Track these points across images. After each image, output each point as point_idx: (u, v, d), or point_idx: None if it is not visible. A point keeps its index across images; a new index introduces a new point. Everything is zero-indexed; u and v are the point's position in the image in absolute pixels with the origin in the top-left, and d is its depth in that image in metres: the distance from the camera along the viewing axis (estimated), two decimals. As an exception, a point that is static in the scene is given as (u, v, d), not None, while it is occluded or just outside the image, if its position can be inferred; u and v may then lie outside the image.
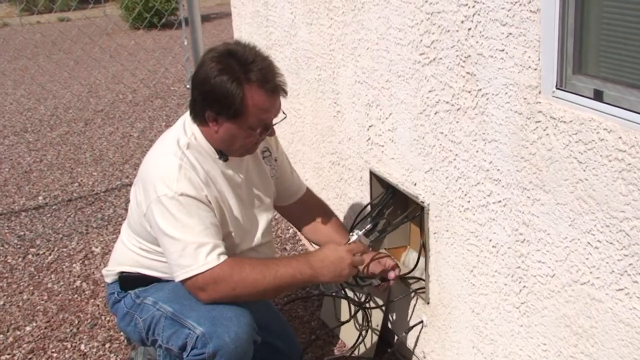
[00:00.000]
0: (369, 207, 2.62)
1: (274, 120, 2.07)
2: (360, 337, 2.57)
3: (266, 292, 2.05)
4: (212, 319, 1.96)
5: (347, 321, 2.61)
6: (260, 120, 2.00)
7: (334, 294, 2.67)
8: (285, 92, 2.03)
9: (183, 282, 1.99)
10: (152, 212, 1.99)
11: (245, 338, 1.98)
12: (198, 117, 2.04)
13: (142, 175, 2.08)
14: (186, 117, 2.11)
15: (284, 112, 2.09)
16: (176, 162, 2.00)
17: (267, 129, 2.05)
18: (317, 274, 2.06)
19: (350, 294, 2.59)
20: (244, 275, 1.98)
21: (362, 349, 2.61)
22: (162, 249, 2.04)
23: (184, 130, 2.08)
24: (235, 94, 1.93)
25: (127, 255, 2.22)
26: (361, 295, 2.56)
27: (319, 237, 2.43)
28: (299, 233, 3.72)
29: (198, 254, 1.95)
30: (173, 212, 1.96)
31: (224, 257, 1.98)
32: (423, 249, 2.31)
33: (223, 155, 2.08)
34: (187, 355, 2.00)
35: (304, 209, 2.46)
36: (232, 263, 1.99)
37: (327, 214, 2.47)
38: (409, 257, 2.59)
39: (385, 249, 2.66)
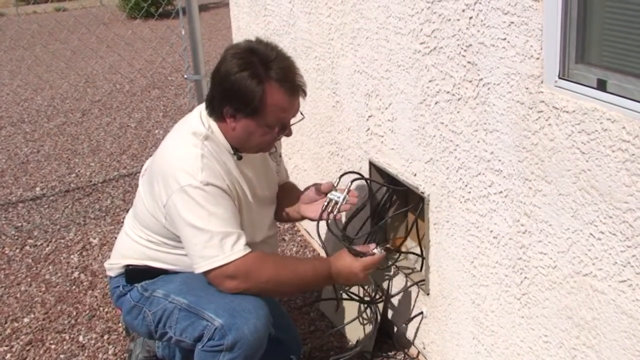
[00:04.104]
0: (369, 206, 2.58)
1: (292, 121, 2.06)
2: (367, 332, 2.57)
3: (290, 291, 2.26)
4: (231, 311, 1.96)
5: (354, 320, 2.60)
6: (278, 119, 2.00)
7: (341, 293, 2.65)
8: (305, 93, 2.04)
9: (207, 272, 1.97)
10: (175, 203, 1.97)
11: (263, 330, 1.99)
12: (215, 113, 2.03)
13: (160, 166, 2.05)
14: (202, 108, 2.10)
15: (301, 114, 2.08)
16: (198, 152, 1.99)
17: (285, 129, 2.05)
18: (333, 282, 2.21)
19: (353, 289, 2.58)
20: (277, 271, 2.03)
21: (361, 341, 2.60)
22: (183, 240, 2.01)
23: (202, 122, 2.07)
24: (255, 91, 1.92)
25: (132, 247, 2.20)
26: (365, 293, 2.55)
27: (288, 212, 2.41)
28: (297, 224, 3.71)
29: (224, 244, 1.95)
30: (199, 201, 1.95)
31: (249, 249, 1.99)
32: (417, 235, 2.30)
33: (237, 152, 2.08)
34: (203, 346, 2.00)
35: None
36: (264, 257, 2.02)
37: (291, 189, 2.47)
38: (408, 248, 2.58)
39: (386, 239, 2.66)
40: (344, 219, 2.53)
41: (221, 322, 1.96)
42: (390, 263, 2.51)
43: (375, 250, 2.12)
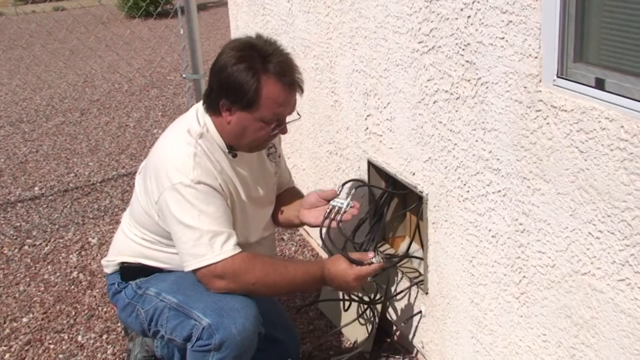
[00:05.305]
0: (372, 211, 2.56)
1: (287, 119, 2.05)
2: (366, 331, 2.56)
3: (279, 292, 2.21)
4: (219, 310, 1.96)
5: (354, 320, 2.59)
6: (274, 114, 1.98)
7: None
8: (302, 90, 2.03)
9: (196, 270, 1.97)
10: (166, 200, 1.97)
11: (252, 330, 1.98)
12: (212, 107, 2.03)
13: (154, 163, 2.06)
14: (198, 107, 2.10)
15: (298, 113, 2.07)
16: (191, 150, 1.99)
17: (280, 125, 2.03)
18: (326, 285, 2.14)
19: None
20: (266, 273, 2.00)
21: (360, 340, 2.60)
22: (173, 238, 2.02)
23: (197, 120, 2.07)
24: (250, 83, 1.92)
25: (128, 245, 2.21)
26: (364, 293, 2.54)
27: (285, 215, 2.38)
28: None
29: (213, 243, 1.94)
30: (189, 199, 1.95)
31: (239, 249, 1.98)
32: (419, 237, 2.30)
33: (232, 150, 2.07)
34: (192, 346, 2.00)
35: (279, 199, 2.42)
36: (253, 257, 2.00)
37: (294, 195, 2.43)
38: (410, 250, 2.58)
39: (384, 238, 2.66)
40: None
41: (208, 322, 1.96)
42: (391, 265, 2.50)
43: (373, 260, 2.07)
